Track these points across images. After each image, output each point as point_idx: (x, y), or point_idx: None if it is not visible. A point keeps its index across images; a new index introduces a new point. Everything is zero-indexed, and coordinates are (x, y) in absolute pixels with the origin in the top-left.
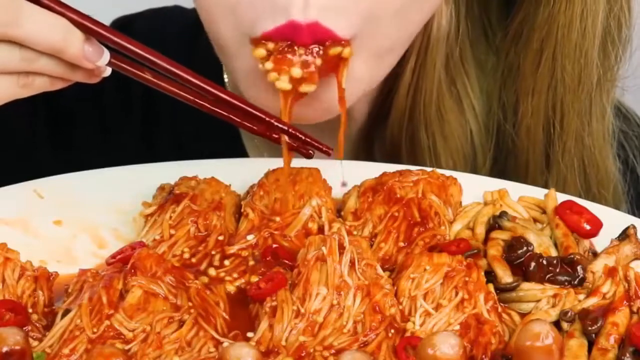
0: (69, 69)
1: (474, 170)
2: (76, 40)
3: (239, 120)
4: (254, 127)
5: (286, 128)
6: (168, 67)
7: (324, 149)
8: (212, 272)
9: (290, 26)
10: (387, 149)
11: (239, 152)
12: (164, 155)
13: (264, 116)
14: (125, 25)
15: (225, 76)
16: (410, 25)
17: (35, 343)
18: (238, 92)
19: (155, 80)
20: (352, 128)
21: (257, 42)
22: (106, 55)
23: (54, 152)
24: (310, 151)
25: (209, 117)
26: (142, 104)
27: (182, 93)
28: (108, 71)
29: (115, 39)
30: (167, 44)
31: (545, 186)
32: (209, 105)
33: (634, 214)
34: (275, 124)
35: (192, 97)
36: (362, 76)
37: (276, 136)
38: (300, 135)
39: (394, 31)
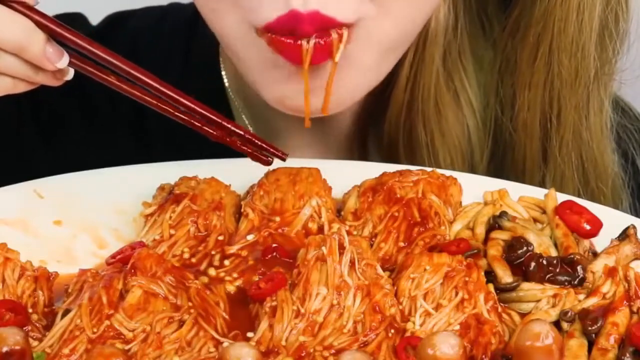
0: (32, 70)
1: (472, 166)
2: (38, 41)
3: (199, 125)
4: (214, 133)
5: (242, 133)
6: (130, 70)
7: (280, 154)
8: (212, 272)
9: (291, 16)
10: (384, 145)
11: (239, 152)
12: (163, 156)
13: (220, 121)
14: (119, 22)
15: (223, 73)
16: (418, 15)
17: (35, 343)
18: (239, 88)
19: (118, 84)
20: (346, 122)
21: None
22: (65, 58)
23: (51, 152)
24: (269, 158)
25: None
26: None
27: (145, 97)
28: (70, 74)
29: (79, 41)
30: (161, 42)
31: (543, 181)
32: (171, 110)
33: (634, 208)
34: (232, 128)
35: (155, 102)
36: (370, 65)
37: (229, 140)
38: (255, 140)
39: (401, 19)
